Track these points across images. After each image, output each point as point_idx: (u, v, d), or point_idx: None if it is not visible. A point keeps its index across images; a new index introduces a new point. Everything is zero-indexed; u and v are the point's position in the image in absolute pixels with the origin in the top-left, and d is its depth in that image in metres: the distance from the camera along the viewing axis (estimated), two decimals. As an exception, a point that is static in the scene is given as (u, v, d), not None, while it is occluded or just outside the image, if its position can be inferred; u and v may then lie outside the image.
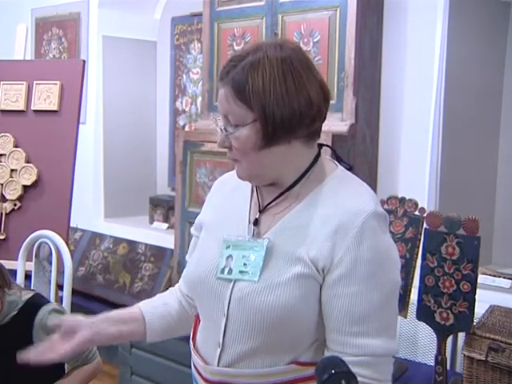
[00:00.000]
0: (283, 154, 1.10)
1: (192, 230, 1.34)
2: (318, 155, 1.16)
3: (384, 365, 1.07)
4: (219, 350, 1.13)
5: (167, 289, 1.41)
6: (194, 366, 1.23)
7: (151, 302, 1.33)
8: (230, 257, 1.14)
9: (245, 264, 1.11)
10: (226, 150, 1.14)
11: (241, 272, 1.11)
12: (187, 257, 1.35)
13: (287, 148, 1.10)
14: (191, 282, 1.23)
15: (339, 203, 1.08)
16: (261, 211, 1.16)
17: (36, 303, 1.78)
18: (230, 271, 1.12)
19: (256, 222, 1.14)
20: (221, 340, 1.12)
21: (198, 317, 1.27)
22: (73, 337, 1.18)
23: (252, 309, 1.07)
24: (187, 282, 1.26)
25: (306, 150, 1.13)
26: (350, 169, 1.19)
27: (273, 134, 1.06)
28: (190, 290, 1.27)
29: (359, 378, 0.90)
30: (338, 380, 0.85)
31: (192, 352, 1.24)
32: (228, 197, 1.26)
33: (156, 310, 1.31)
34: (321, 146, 1.18)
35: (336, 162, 1.19)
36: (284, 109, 1.05)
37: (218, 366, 1.13)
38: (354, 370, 0.90)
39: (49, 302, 1.83)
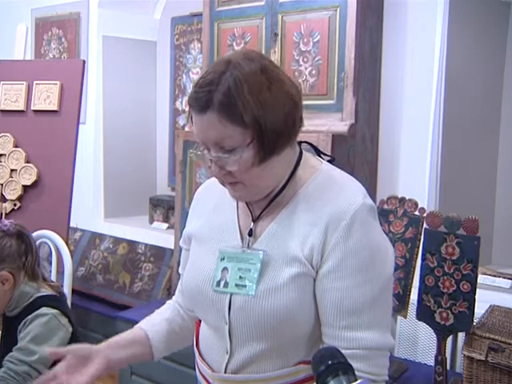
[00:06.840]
0: (278, 161, 1.08)
1: (181, 243, 1.31)
2: (301, 154, 1.14)
3: (377, 359, 1.05)
4: (227, 356, 1.12)
5: (167, 290, 1.40)
6: (201, 373, 1.21)
7: (151, 320, 1.30)
8: (225, 269, 1.12)
9: (241, 277, 1.09)
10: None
11: (237, 285, 1.09)
12: (180, 270, 1.32)
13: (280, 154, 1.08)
14: (189, 295, 1.20)
15: (327, 199, 1.07)
16: (254, 221, 1.14)
17: (38, 303, 1.68)
18: (226, 284, 1.11)
19: (251, 233, 1.13)
20: (228, 346, 1.11)
21: (198, 322, 1.26)
22: (86, 366, 1.11)
23: (253, 315, 1.06)
24: (185, 294, 1.23)
25: (292, 151, 1.12)
26: (332, 160, 1.17)
27: (272, 145, 1.04)
28: (189, 302, 1.24)
29: None
30: (335, 371, 0.83)
31: (197, 359, 1.22)
32: (215, 205, 1.23)
33: (158, 328, 1.27)
34: (299, 143, 1.16)
35: (319, 158, 1.17)
36: (278, 116, 1.03)
37: (225, 372, 1.12)
38: None
39: (53, 307, 1.68)
